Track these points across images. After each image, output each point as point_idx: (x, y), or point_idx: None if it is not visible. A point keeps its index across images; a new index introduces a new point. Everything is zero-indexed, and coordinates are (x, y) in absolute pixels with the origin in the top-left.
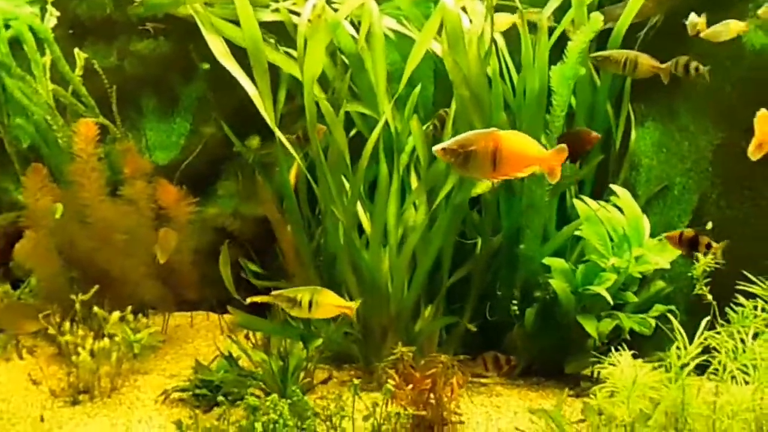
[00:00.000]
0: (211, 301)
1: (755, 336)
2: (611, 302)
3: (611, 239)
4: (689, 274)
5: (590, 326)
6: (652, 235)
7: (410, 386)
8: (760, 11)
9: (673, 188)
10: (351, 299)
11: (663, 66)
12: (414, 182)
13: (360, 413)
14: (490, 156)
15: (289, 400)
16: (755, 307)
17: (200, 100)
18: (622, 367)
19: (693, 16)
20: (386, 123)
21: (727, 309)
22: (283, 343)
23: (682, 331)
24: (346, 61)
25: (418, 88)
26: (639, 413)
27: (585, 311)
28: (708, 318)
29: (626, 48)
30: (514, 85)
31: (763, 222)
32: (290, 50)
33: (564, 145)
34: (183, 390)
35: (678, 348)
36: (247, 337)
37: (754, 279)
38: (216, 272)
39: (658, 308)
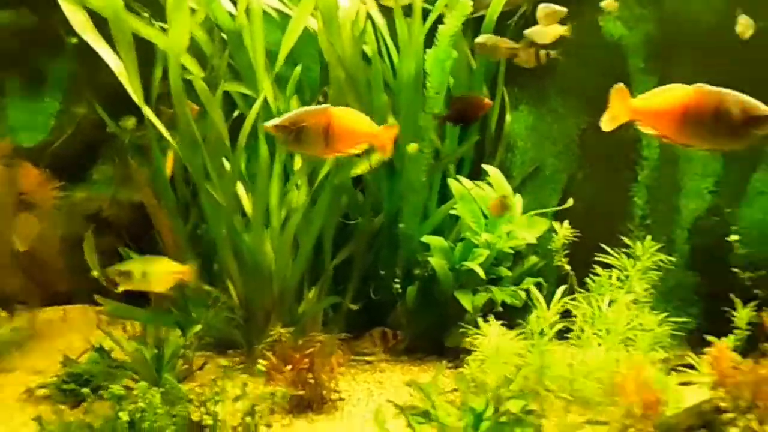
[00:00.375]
0: (88, 293)
1: (611, 303)
2: (484, 277)
3: (485, 217)
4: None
5: (466, 300)
6: (527, 213)
7: (289, 367)
8: (603, 3)
9: (545, 169)
10: (234, 283)
11: (518, 45)
12: (297, 163)
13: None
14: (322, 133)
15: (161, 388)
16: (610, 277)
17: (71, 78)
18: (490, 337)
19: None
20: (268, 103)
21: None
22: (161, 332)
23: (542, 300)
24: (225, 37)
25: (299, 68)
26: (503, 379)
27: (462, 287)
28: (564, 287)
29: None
30: (394, 66)
31: (621, 201)
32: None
33: (395, 123)
34: (49, 386)
35: (537, 317)
36: (124, 328)
37: (611, 252)
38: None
39: (529, 281)
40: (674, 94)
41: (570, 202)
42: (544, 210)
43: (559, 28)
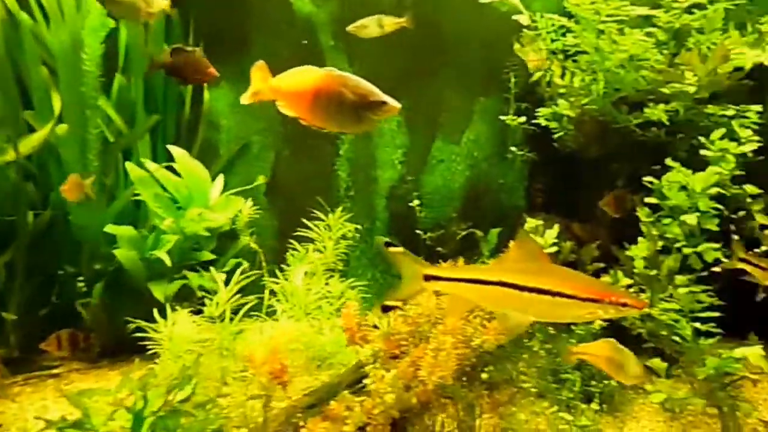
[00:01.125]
0: None
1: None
2: (170, 264)
3: (176, 201)
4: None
5: (158, 291)
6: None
7: None
8: None
9: (251, 147)
10: None
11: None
12: None
13: None
14: None
15: None
16: (307, 251)
17: None
18: (168, 326)
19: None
20: None
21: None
22: None
23: (220, 283)
24: None
25: None
26: (181, 368)
27: (159, 277)
28: (245, 264)
29: None
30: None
31: (327, 174)
32: None
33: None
34: None
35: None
36: None
37: (310, 225)
38: None
39: (231, 262)
40: (307, 77)
41: (260, 179)
42: (242, 188)
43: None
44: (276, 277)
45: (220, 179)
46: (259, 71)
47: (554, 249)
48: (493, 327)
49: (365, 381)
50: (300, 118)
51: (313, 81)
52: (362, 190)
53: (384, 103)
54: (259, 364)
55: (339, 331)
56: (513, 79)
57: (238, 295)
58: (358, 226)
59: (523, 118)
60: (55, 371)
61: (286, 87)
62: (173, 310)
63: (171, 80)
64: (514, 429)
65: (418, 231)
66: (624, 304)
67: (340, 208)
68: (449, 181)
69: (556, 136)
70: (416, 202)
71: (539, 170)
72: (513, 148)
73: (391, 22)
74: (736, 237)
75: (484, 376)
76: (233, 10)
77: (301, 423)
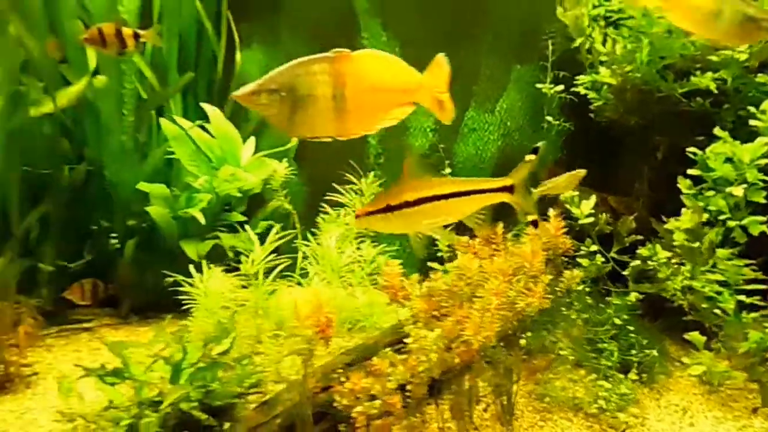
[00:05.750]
0: None
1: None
2: (204, 222)
3: (210, 160)
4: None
5: (190, 249)
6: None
7: None
8: None
9: None
10: None
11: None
12: None
13: None
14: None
15: None
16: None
17: None
18: (204, 283)
19: None
20: None
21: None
22: None
23: (256, 241)
24: None
25: None
26: (217, 324)
27: (189, 236)
28: (277, 226)
29: None
30: None
31: (358, 141)
32: None
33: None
34: None
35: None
36: None
37: (341, 190)
38: None
39: (261, 225)
40: None
41: (294, 141)
42: (274, 150)
43: None
44: (307, 240)
45: (252, 141)
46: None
47: (590, 220)
48: (539, 290)
49: (406, 341)
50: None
51: None
52: (393, 158)
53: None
54: (304, 317)
55: (372, 294)
56: (551, 47)
57: (273, 255)
58: None
59: (560, 87)
60: (86, 325)
61: None
62: (207, 268)
63: (204, 39)
64: (551, 395)
65: None
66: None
67: (372, 174)
68: (481, 150)
69: (594, 105)
70: (447, 170)
71: (575, 141)
72: (549, 118)
73: None
74: None
75: (522, 342)
76: None
77: (342, 378)
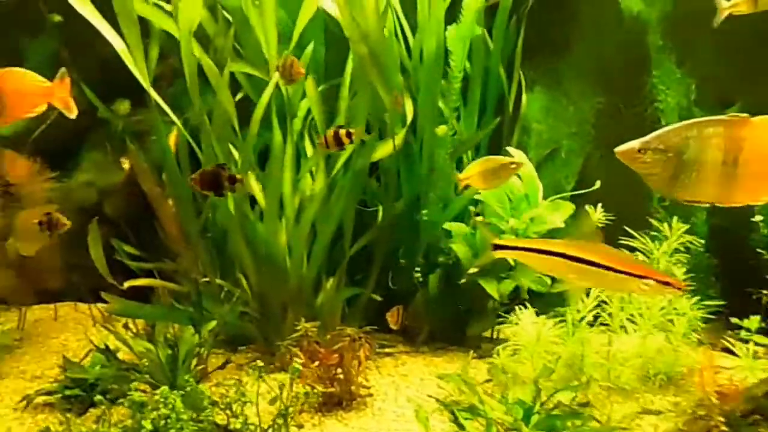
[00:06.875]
0: (79, 289)
1: None
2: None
3: (510, 201)
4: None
5: (491, 288)
6: (545, 198)
7: (316, 363)
8: None
9: (560, 151)
10: (246, 277)
11: None
12: (309, 149)
13: (262, 398)
14: None
15: (181, 392)
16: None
17: (53, 59)
18: (523, 325)
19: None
20: (278, 87)
21: None
22: (171, 330)
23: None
24: (228, 17)
25: (310, 47)
26: (542, 368)
27: (486, 274)
28: None
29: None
30: (410, 46)
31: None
32: (161, 2)
33: (65, 73)
34: (50, 393)
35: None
36: (126, 326)
37: (635, 234)
38: (82, 256)
39: None
40: None
41: (597, 184)
42: (565, 194)
43: None
44: None
45: (539, 183)
46: None
47: None
48: None
49: None
50: None
51: None
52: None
53: None
54: (706, 380)
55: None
56: None
57: (594, 301)
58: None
59: None
60: (387, 350)
61: None
62: (516, 310)
63: (491, 81)
64: None
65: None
66: (666, 283)
67: (675, 219)
68: None
69: None
70: (759, 217)
71: None
72: None
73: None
74: None
75: None
76: (559, 13)
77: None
